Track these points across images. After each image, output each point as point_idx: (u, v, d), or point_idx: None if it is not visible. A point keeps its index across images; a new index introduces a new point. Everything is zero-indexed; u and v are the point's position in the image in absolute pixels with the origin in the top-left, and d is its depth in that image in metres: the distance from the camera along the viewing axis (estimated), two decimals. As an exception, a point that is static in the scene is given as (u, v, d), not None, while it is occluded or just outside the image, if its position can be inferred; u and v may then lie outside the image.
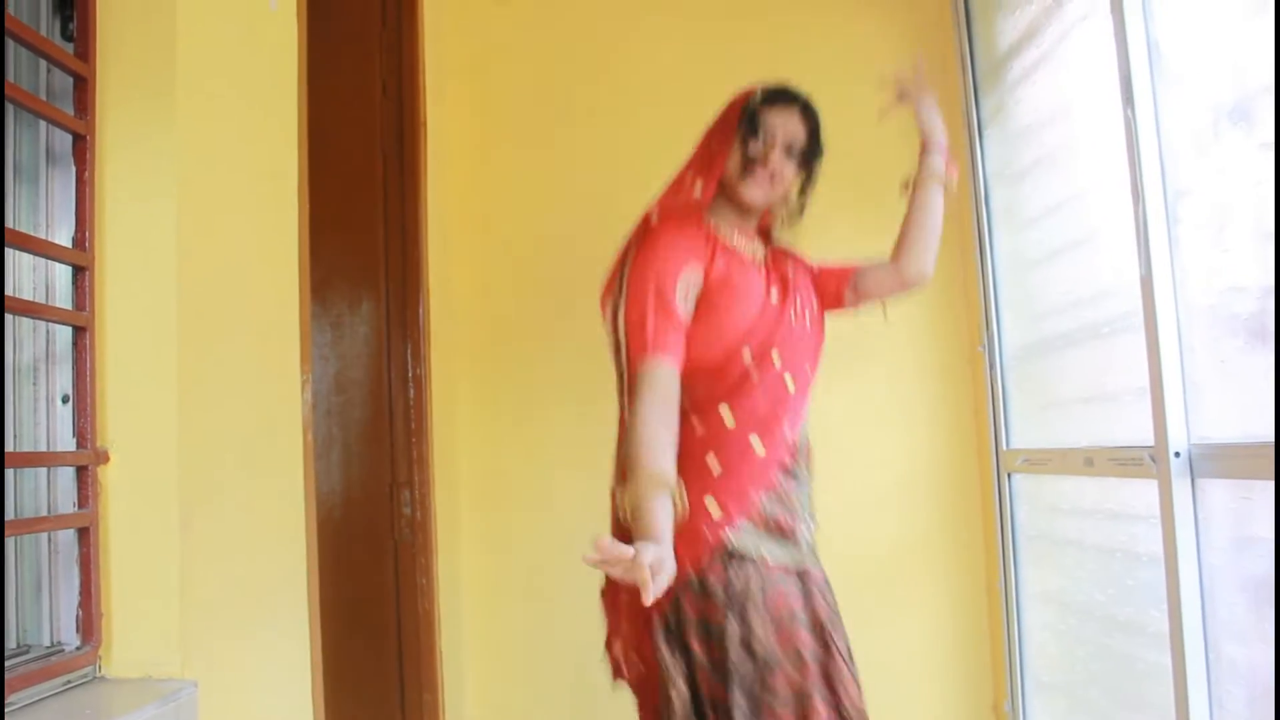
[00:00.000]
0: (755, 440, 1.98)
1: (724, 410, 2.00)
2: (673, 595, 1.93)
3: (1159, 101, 1.99)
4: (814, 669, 1.91)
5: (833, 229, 3.14)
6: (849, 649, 2.00)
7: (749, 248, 2.14)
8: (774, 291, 2.09)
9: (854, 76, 3.21)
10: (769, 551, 1.96)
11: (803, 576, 1.99)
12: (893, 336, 3.12)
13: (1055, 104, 2.60)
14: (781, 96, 2.15)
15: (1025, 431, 2.87)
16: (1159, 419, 1.94)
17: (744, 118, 2.13)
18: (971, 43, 3.03)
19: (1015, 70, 2.78)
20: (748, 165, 2.10)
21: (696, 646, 1.95)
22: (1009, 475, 2.91)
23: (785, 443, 2.03)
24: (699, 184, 2.14)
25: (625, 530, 1.86)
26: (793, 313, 2.09)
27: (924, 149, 2.24)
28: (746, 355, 2.01)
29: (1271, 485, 1.63)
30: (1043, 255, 2.71)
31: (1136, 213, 1.99)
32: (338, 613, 2.25)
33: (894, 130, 3.20)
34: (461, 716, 3.07)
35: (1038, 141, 2.71)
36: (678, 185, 2.17)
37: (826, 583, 2.04)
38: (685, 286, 1.99)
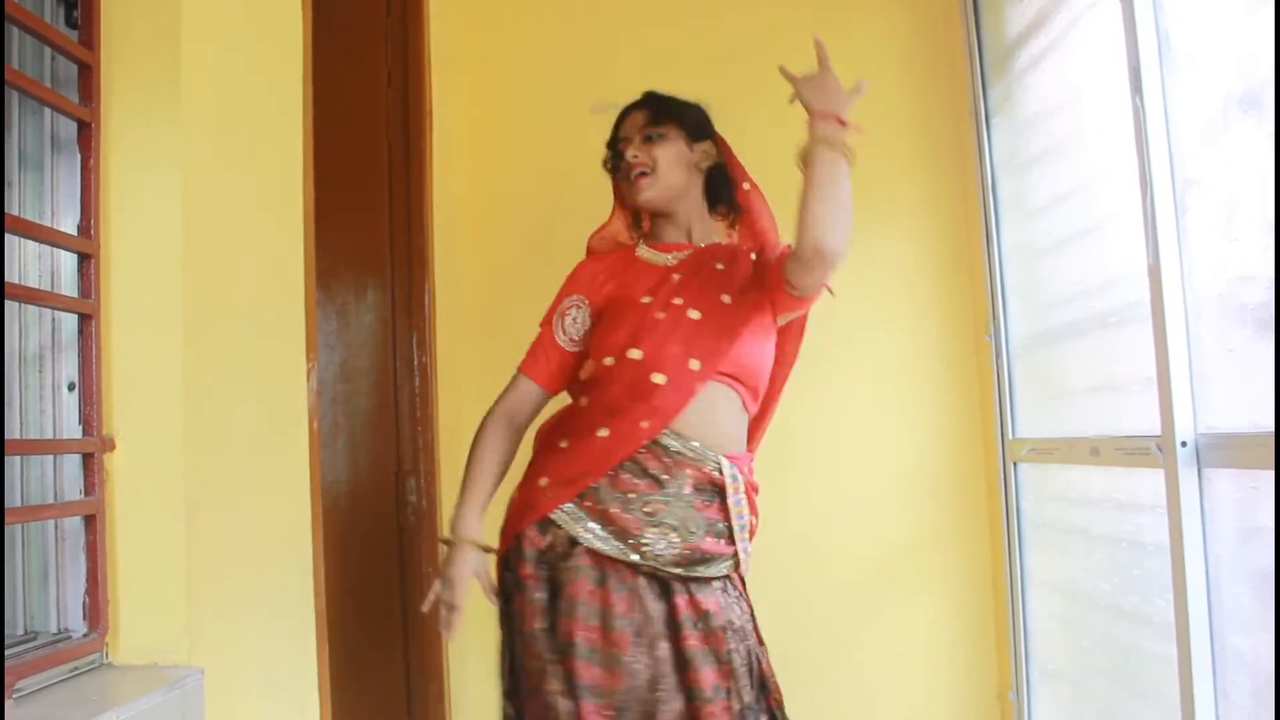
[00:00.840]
0: (603, 429, 2.02)
1: (582, 399, 2.12)
2: (504, 556, 2.11)
3: (1168, 90, 1.98)
4: (595, 670, 1.93)
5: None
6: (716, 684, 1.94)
7: (662, 257, 2.18)
8: (651, 293, 2.11)
9: (863, 64, 3.21)
10: (592, 535, 1.98)
11: (635, 580, 1.98)
12: (899, 325, 3.12)
13: (1063, 92, 2.59)
14: (622, 113, 2.26)
15: (1032, 421, 2.87)
16: (1166, 408, 1.94)
17: (610, 160, 2.24)
18: (979, 31, 3.01)
19: (1023, 58, 2.76)
20: (626, 177, 2.17)
21: (515, 604, 2.05)
22: (1015, 464, 2.91)
23: (639, 436, 2.01)
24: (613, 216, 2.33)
25: None
26: (662, 312, 2.07)
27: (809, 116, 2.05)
28: (609, 359, 2.07)
29: (1278, 475, 1.63)
30: (1050, 244, 2.70)
31: (1145, 202, 1.98)
32: (343, 600, 2.26)
33: (899, 119, 3.21)
34: (466, 703, 3.08)
35: (1045, 130, 2.70)
36: (604, 229, 2.35)
37: (697, 606, 1.98)
38: (570, 318, 2.17)
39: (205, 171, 1.57)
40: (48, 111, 1.50)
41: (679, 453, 2.01)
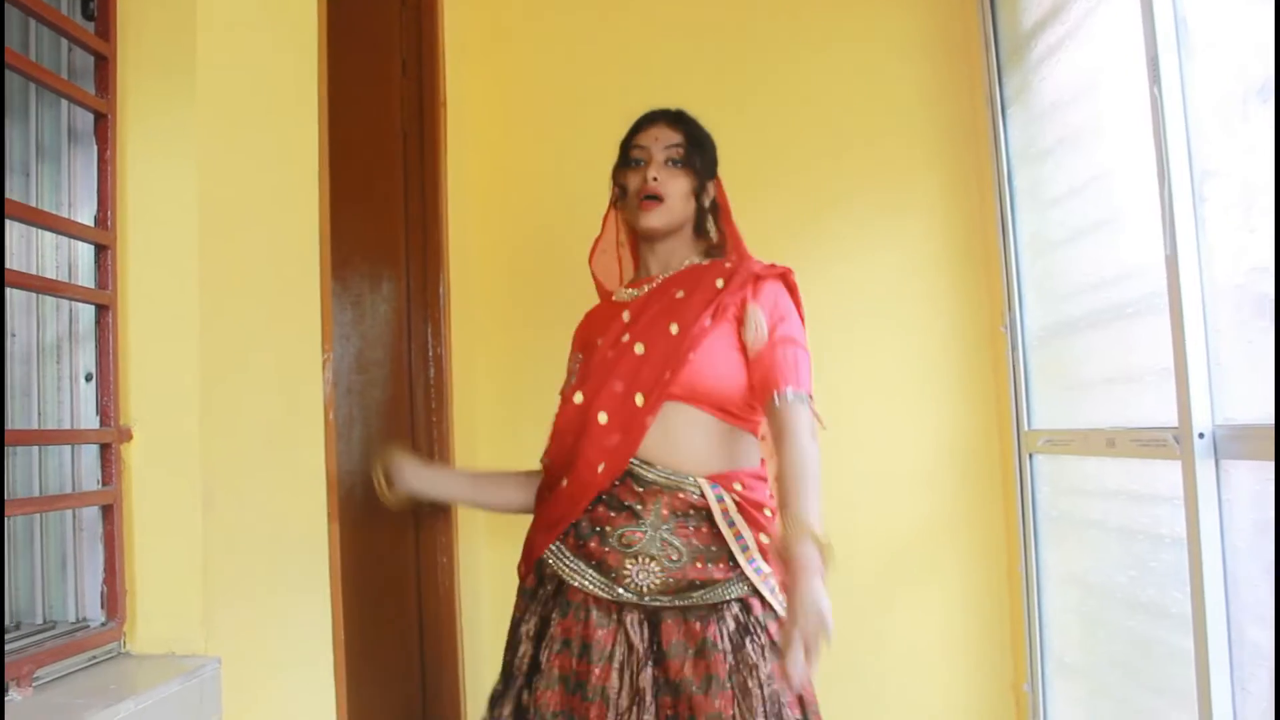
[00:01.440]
0: (564, 479, 2.08)
1: (545, 458, 2.19)
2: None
3: (1186, 79, 1.97)
4: (565, 698, 1.98)
5: (853, 199, 3.15)
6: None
7: (629, 294, 2.20)
8: (603, 334, 2.14)
9: (878, 54, 3.21)
10: (577, 573, 2.03)
11: (621, 612, 2.00)
12: (914, 316, 3.12)
13: (1080, 82, 2.57)
14: (648, 118, 2.21)
15: (1047, 412, 2.86)
16: (1183, 400, 1.93)
17: (619, 155, 2.22)
18: (995, 19, 3.00)
19: (1039, 48, 2.75)
20: (635, 195, 2.14)
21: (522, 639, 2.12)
22: (1031, 456, 2.90)
23: (598, 480, 2.03)
24: (598, 250, 2.35)
25: None
26: (611, 350, 2.10)
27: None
28: (562, 407, 2.15)
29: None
30: (1066, 235, 2.69)
31: (1162, 192, 1.97)
32: (359, 591, 2.26)
33: (915, 109, 3.19)
34: (481, 693, 3.08)
35: (1062, 120, 2.68)
36: (599, 238, 2.37)
37: (684, 630, 1.96)
38: (570, 368, 2.23)
39: (221, 162, 1.58)
40: (64, 103, 1.50)
41: (652, 481, 2.02)
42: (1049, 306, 2.82)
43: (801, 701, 1.94)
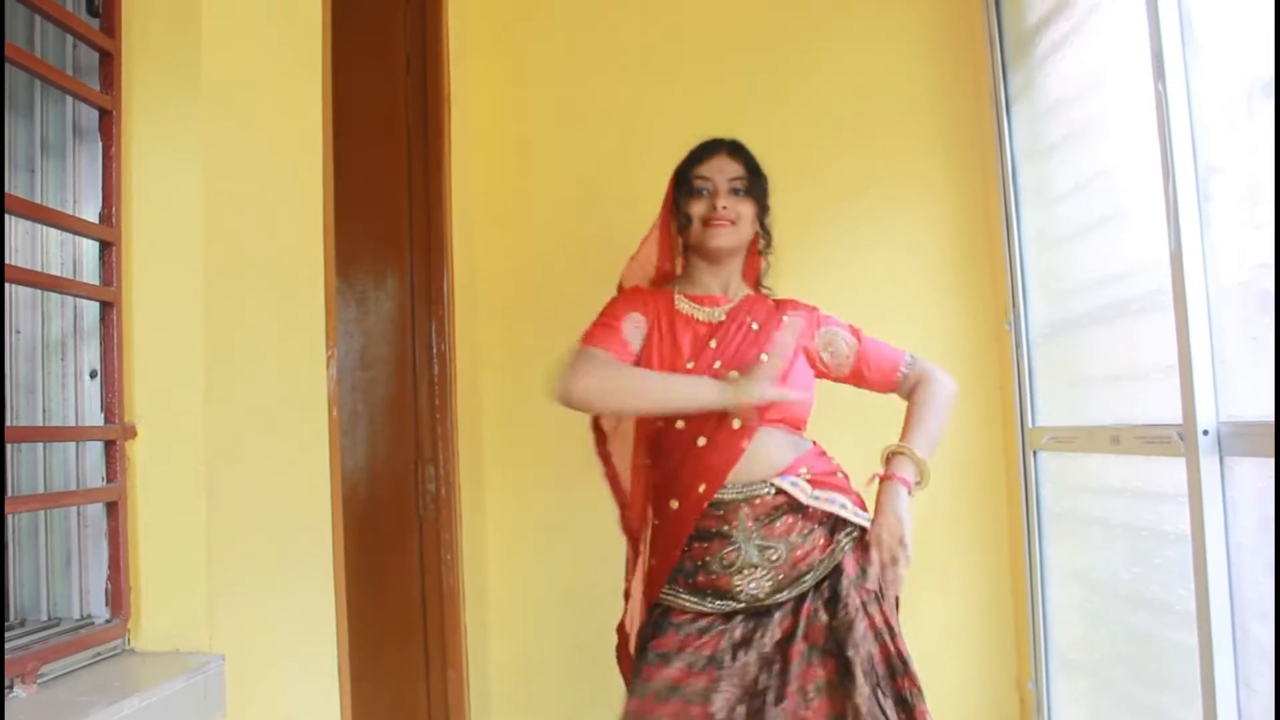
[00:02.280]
0: (674, 500, 2.16)
1: (659, 474, 2.24)
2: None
3: (1190, 76, 1.96)
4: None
5: (857, 195, 3.15)
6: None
7: (703, 312, 2.27)
8: (693, 358, 2.20)
9: (884, 50, 3.20)
10: (700, 603, 2.14)
11: (739, 620, 2.11)
12: (919, 313, 3.11)
13: (1085, 78, 2.56)
14: (706, 148, 2.30)
15: (1052, 409, 2.86)
16: (1187, 397, 1.93)
17: (679, 182, 2.30)
18: (1000, 16, 2.99)
19: (1044, 44, 2.74)
20: (705, 220, 2.24)
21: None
22: (1035, 453, 2.89)
23: (699, 500, 2.12)
24: (655, 258, 2.36)
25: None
26: (709, 375, 2.16)
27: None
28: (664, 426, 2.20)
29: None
30: (1071, 232, 2.68)
31: (1167, 189, 1.97)
32: (363, 588, 2.27)
33: (920, 106, 3.19)
34: (486, 692, 3.09)
35: (1067, 117, 2.68)
36: (636, 256, 2.38)
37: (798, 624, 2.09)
38: (631, 322, 2.22)
39: (225, 159, 1.58)
40: (69, 99, 1.50)
41: (730, 501, 2.12)
42: (1053, 303, 2.82)
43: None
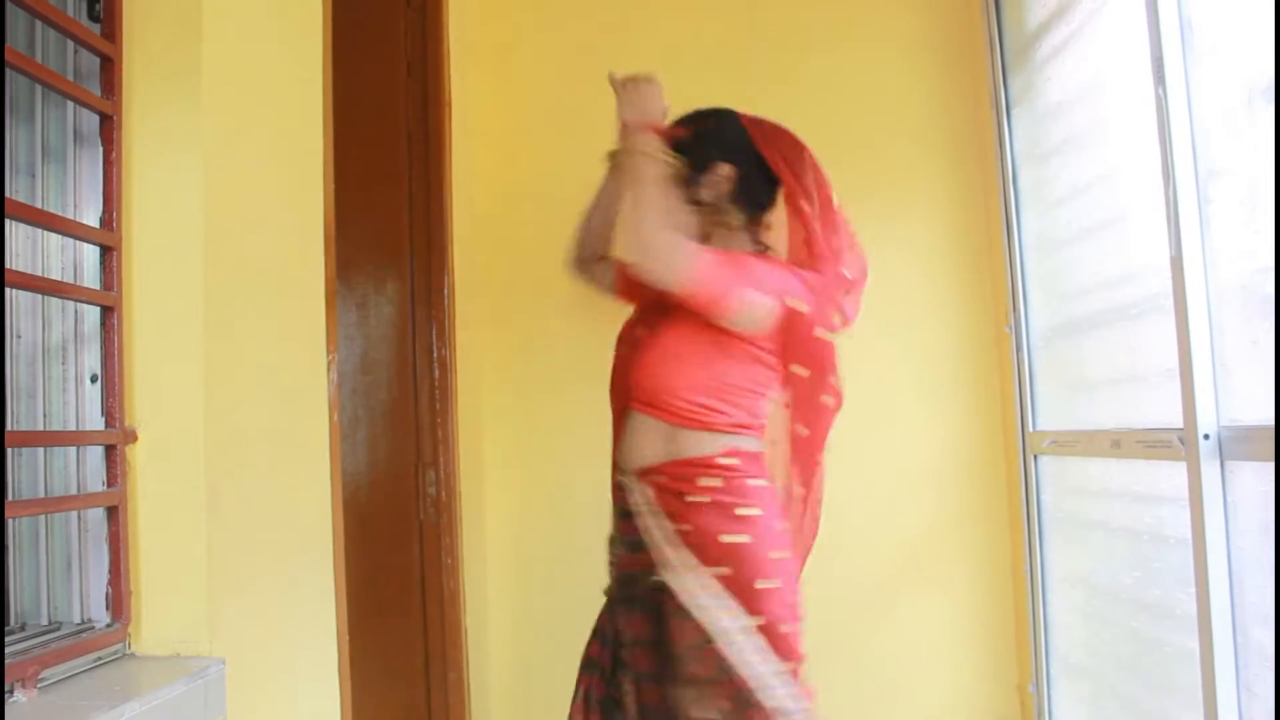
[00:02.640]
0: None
1: None
2: None
3: (1191, 79, 1.96)
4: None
5: (858, 200, 3.15)
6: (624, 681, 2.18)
7: None
8: None
9: (884, 54, 3.20)
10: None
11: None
12: (919, 317, 3.11)
13: (1085, 82, 2.56)
14: None
15: (1052, 413, 2.85)
16: (1188, 401, 1.93)
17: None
18: (1000, 20, 2.99)
19: (1044, 48, 2.74)
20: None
21: None
22: (1035, 457, 2.89)
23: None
24: None
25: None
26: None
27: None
28: None
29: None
30: (1071, 235, 2.68)
31: (1167, 193, 1.97)
32: (364, 591, 2.27)
33: (920, 110, 3.19)
34: (486, 694, 3.09)
35: (1067, 120, 2.68)
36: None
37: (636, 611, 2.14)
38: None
39: (226, 164, 1.58)
40: (70, 105, 1.50)
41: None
42: (1054, 307, 2.81)
43: None
